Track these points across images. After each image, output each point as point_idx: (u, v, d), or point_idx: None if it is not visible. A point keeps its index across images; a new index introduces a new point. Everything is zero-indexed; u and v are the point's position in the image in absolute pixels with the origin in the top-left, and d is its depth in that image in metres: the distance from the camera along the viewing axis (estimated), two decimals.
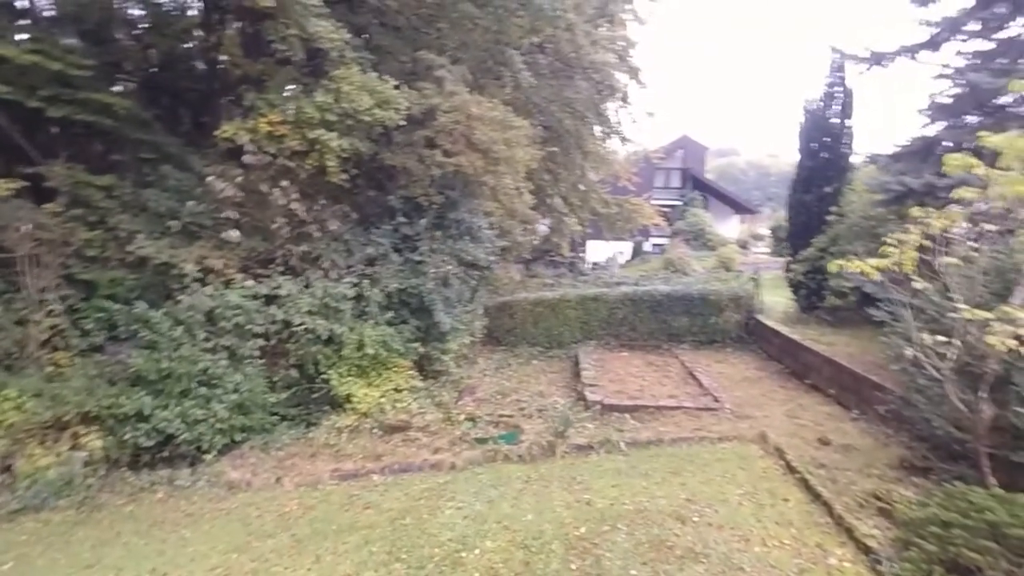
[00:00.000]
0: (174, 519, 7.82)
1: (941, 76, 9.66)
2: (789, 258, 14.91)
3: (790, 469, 7.28)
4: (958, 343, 5.20)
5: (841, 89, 13.96)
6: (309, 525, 7.24)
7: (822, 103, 14.14)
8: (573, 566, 5.52)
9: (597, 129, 21.47)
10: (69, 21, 11.43)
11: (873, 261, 5.58)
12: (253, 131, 9.60)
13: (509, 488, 7.45)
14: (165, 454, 8.99)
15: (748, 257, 35.04)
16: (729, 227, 44.30)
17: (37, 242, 9.19)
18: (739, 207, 45.53)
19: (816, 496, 6.53)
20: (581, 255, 31.30)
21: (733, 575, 5.19)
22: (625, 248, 35.02)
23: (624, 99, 22.13)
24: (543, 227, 27.29)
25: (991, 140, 5.16)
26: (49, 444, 8.70)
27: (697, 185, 45.01)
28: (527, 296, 15.57)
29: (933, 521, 4.82)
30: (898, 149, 10.70)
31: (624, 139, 23.99)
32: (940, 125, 10.30)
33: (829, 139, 13.90)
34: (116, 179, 10.17)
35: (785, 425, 8.96)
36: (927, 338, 5.30)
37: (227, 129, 9.49)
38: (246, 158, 9.38)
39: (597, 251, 34.26)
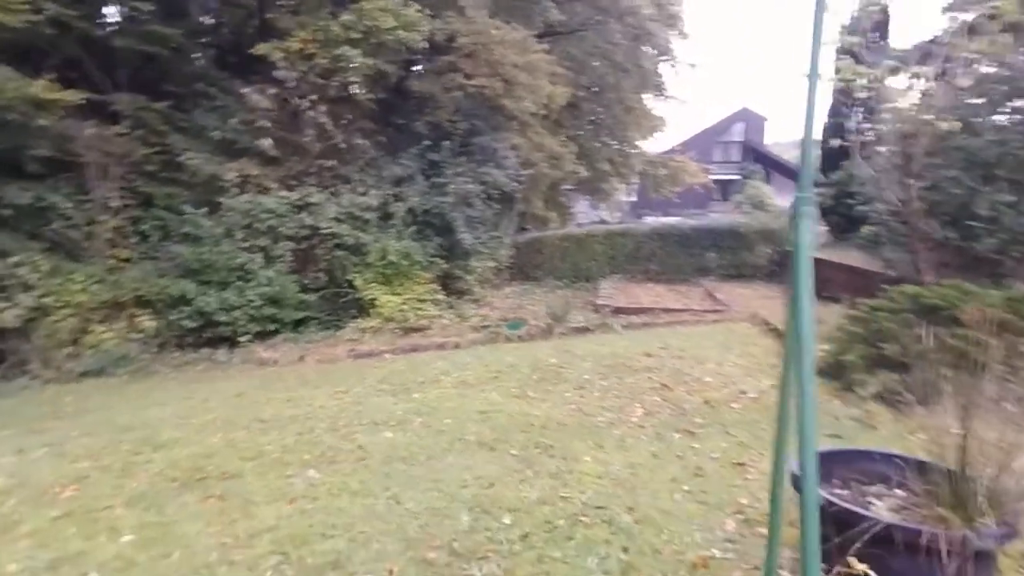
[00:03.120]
0: (210, 378, 8.80)
1: None
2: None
3: (769, 330, 7.37)
4: (883, 127, 5.22)
5: (877, 7, 13.42)
6: (322, 378, 7.98)
7: (853, 26, 13.62)
8: (535, 377, 5.94)
9: (638, 84, 21.33)
10: None
11: None
12: (286, 50, 10.50)
13: (500, 351, 7.93)
14: (207, 335, 10.06)
15: None
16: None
17: (103, 153, 10.40)
18: None
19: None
20: None
21: (678, 377, 5.45)
22: None
23: (665, 52, 21.99)
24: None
25: None
26: (109, 323, 9.91)
27: (758, 158, 43.53)
28: (555, 232, 15.91)
29: (862, 310, 4.92)
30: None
31: (666, 94, 23.82)
32: None
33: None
34: (171, 107, 11.31)
35: (784, 316, 8.93)
36: (854, 124, 5.36)
37: (262, 47, 10.43)
38: (278, 73, 10.27)
39: None
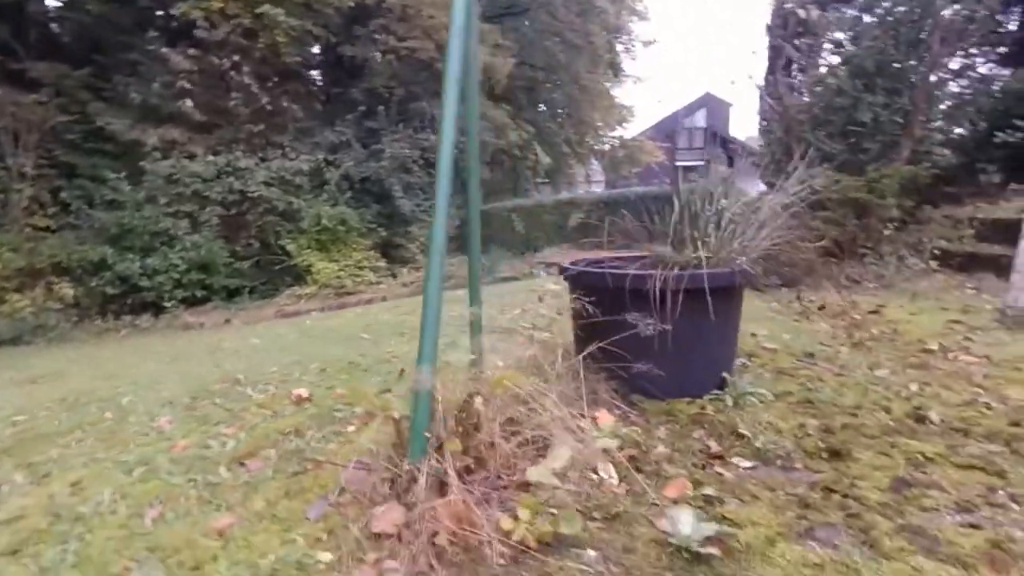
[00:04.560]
0: (131, 343, 8.52)
1: None
2: None
3: None
4: None
5: None
6: (237, 331, 7.78)
7: None
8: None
9: (590, 62, 21.39)
10: None
11: None
12: (206, 9, 10.26)
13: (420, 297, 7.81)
14: (130, 301, 9.77)
15: None
16: (759, 186, 43.12)
17: (15, 119, 10.05)
18: None
19: None
20: None
21: None
22: None
23: (616, 29, 22.14)
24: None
25: None
26: (25, 291, 9.57)
27: (721, 144, 43.93)
28: (504, 203, 15.85)
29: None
30: None
31: (621, 74, 23.94)
32: None
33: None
34: (96, 75, 10.96)
35: None
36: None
37: (181, 6, 10.17)
38: (198, 32, 10.03)
39: None
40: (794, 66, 7.91)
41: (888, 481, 1.30)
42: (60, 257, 9.63)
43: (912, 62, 5.25)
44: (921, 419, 1.67)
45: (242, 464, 1.47)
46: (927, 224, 4.74)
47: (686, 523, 1.07)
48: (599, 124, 24.52)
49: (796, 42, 7.43)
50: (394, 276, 12.08)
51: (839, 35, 6.54)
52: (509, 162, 18.57)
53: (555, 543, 1.09)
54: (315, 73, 13.41)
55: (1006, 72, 6.30)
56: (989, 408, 1.74)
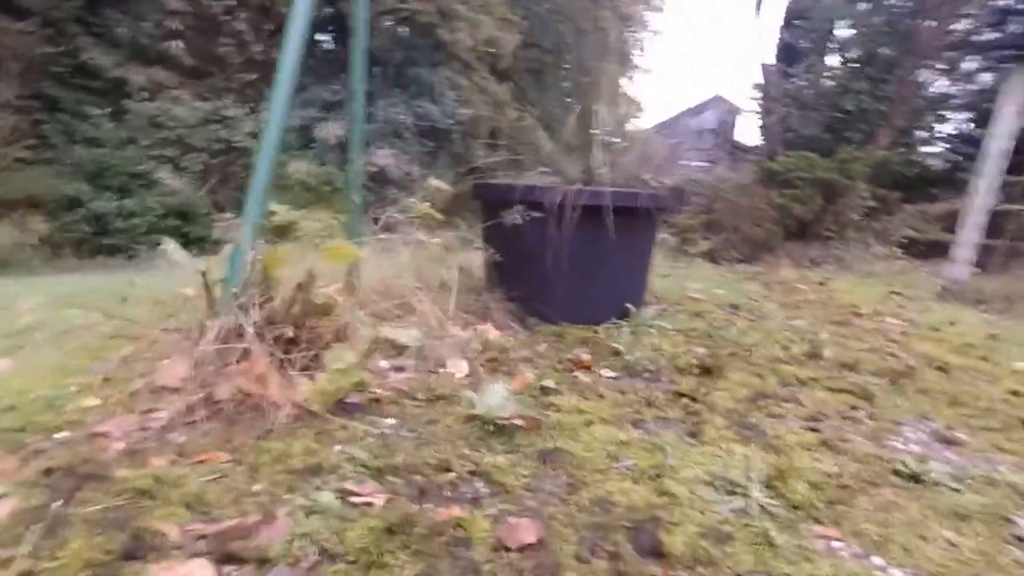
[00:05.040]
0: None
1: None
2: None
3: None
4: None
5: None
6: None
7: None
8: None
9: (598, 49, 21.08)
10: None
11: None
12: None
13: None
14: (104, 241, 9.60)
15: None
16: None
17: (2, 47, 9.82)
18: None
19: None
20: None
21: None
22: None
23: (627, 18, 21.83)
24: None
25: None
26: None
27: (730, 146, 43.62)
28: (496, 182, 15.68)
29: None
30: None
31: (627, 63, 23.68)
32: None
33: None
34: (85, 9, 10.71)
35: None
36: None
37: None
38: None
39: None
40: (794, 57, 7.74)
41: (749, 394, 1.21)
42: (32, 190, 9.46)
43: (902, 53, 5.12)
44: (815, 356, 1.58)
45: (67, 333, 1.37)
46: (899, 215, 4.64)
47: (493, 396, 0.97)
48: (605, 115, 24.23)
49: (796, 26, 7.28)
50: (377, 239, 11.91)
51: (838, 24, 6.40)
52: (509, 140, 18.34)
53: (346, 408, 0.99)
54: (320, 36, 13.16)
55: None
56: (891, 355, 1.65)
